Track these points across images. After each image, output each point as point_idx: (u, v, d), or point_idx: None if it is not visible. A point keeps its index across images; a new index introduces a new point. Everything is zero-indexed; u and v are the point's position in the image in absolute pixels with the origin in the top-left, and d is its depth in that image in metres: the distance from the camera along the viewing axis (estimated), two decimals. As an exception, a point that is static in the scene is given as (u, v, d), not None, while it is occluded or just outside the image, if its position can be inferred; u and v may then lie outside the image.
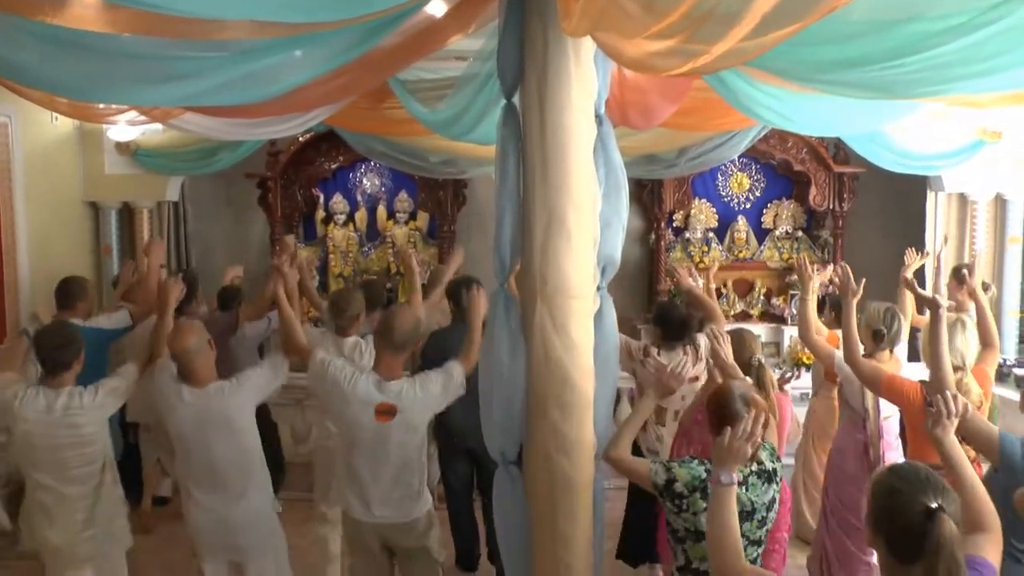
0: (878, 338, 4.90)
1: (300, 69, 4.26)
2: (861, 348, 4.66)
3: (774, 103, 4.41)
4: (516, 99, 3.80)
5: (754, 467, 3.34)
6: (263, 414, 5.22)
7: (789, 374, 4.82)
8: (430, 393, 4.34)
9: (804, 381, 7.89)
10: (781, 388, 4.73)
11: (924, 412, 4.13)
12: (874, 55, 2.68)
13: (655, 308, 5.80)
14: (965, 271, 6.26)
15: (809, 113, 4.56)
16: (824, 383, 6.28)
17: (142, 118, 5.60)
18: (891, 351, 4.97)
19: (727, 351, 4.11)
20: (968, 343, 4.49)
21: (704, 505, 3.22)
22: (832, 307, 6.05)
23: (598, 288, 3.85)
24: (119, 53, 3.87)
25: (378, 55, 4.40)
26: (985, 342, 4.79)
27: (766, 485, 3.35)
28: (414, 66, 5.95)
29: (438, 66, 5.86)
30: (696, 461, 3.41)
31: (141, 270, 6.59)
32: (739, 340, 4.41)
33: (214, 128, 6.24)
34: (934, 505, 2.28)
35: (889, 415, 5.05)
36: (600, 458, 3.85)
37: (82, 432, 4.48)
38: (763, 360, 4.34)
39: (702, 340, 5.26)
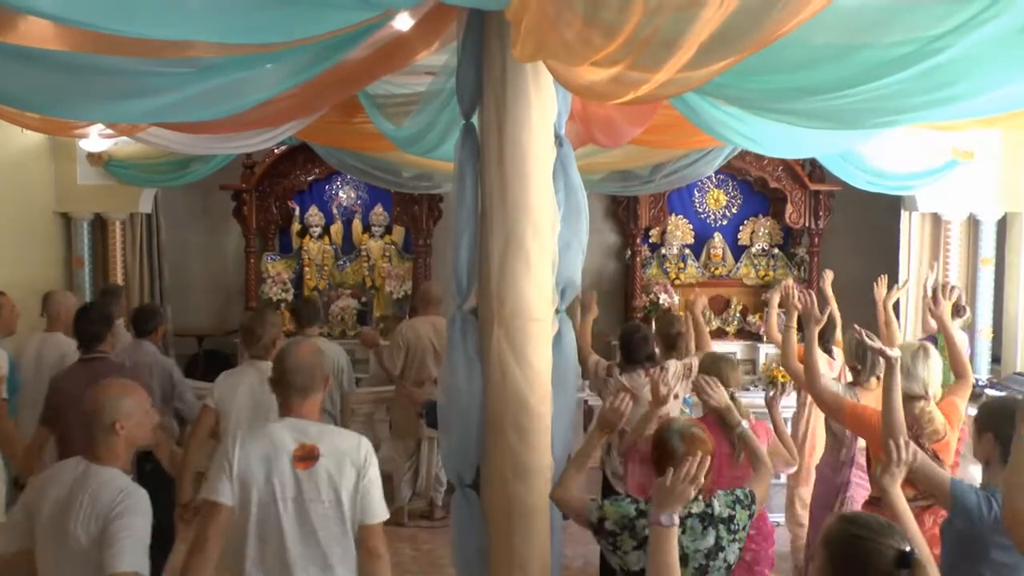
0: (856, 372, 4.87)
1: (265, 84, 4.23)
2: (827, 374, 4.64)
3: (739, 125, 4.40)
4: (475, 119, 3.77)
5: (694, 509, 3.17)
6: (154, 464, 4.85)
7: (772, 392, 4.70)
8: (357, 451, 3.38)
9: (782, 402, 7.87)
10: (770, 407, 4.63)
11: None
12: (824, 84, 2.66)
13: (620, 329, 5.76)
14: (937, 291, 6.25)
15: (774, 135, 4.54)
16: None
17: (109, 131, 5.57)
18: (877, 378, 4.88)
19: (719, 396, 4.03)
20: (931, 371, 4.40)
21: (633, 544, 3.15)
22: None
23: (557, 311, 3.82)
24: (79, 68, 3.84)
25: (344, 70, 4.39)
26: (957, 373, 4.68)
27: (707, 530, 3.18)
28: (384, 80, 5.96)
29: (408, 81, 5.82)
30: (628, 499, 3.29)
31: None
32: (716, 372, 4.35)
33: (183, 142, 6.22)
34: (907, 548, 2.17)
35: None
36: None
37: None
38: (736, 394, 4.27)
39: (671, 364, 5.23)
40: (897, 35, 2.39)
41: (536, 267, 3.70)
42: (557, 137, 3.76)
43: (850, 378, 5.12)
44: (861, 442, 4.83)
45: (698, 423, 3.49)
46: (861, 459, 4.88)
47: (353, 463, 3.22)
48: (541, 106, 3.65)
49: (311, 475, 3.19)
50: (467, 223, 3.73)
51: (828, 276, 6.57)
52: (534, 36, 2.50)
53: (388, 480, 7.25)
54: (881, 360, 4.91)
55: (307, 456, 3.23)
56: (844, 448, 4.94)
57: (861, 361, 4.81)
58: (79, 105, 4.12)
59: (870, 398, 4.77)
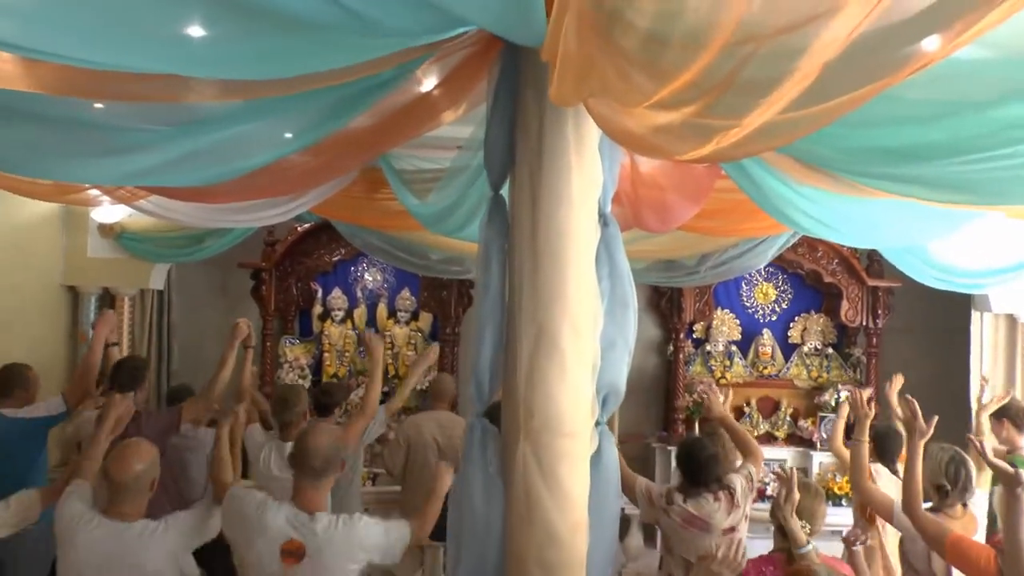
0: (943, 493, 4.15)
1: (269, 144, 3.72)
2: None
3: (810, 207, 3.79)
4: (506, 192, 3.19)
5: None
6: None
7: (853, 537, 3.92)
8: (358, 535, 3.57)
9: (835, 517, 7.11)
10: (850, 546, 3.90)
11: None
12: (952, 143, 2.03)
13: (679, 446, 5.03)
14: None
15: (852, 220, 3.92)
16: (864, 524, 5.47)
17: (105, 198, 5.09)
18: (964, 505, 4.19)
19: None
20: None
21: None
22: (873, 438, 5.28)
23: (597, 424, 3.16)
24: (51, 121, 3.34)
25: (359, 131, 3.86)
26: None
27: None
28: (412, 154, 5.48)
29: (437, 155, 5.31)
30: None
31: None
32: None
33: (189, 213, 5.74)
34: None
35: None
36: None
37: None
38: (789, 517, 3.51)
39: (737, 482, 4.54)
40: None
41: (573, 370, 3.05)
42: (602, 215, 3.16)
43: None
44: None
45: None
46: None
47: (348, 559, 3.48)
48: (583, 177, 3.06)
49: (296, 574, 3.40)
50: (491, 314, 3.12)
51: (897, 381, 5.88)
52: (574, 66, 1.90)
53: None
54: (975, 476, 4.25)
55: (294, 552, 3.42)
56: None
57: (952, 481, 4.11)
58: (53, 164, 3.60)
59: (956, 527, 4.07)
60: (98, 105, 3.68)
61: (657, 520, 4.61)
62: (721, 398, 5.10)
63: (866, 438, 4.46)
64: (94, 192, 5.13)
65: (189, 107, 3.51)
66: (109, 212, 7.58)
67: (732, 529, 4.44)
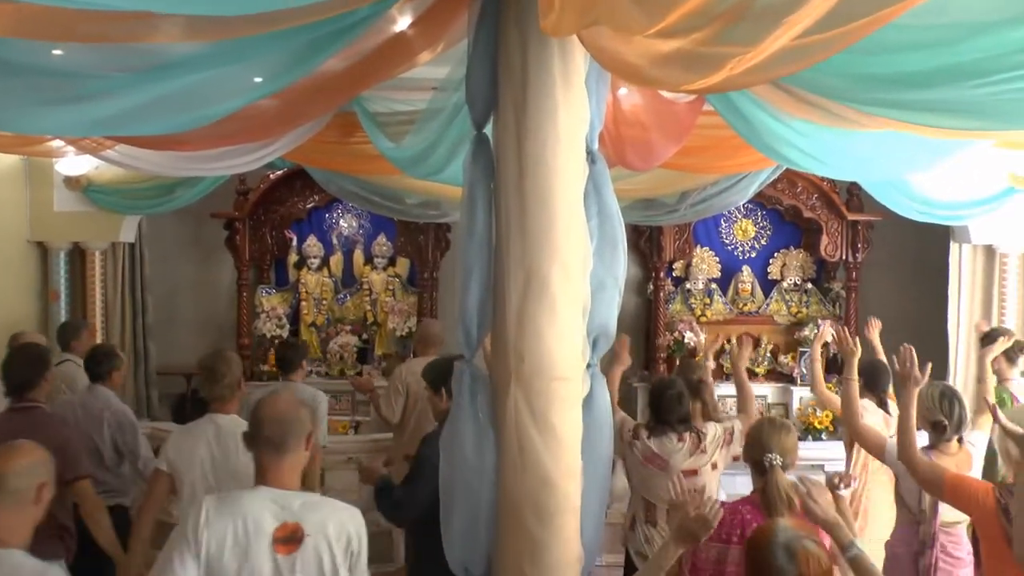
0: (939, 429, 4.13)
1: (239, 89, 3.57)
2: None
3: (802, 141, 3.70)
4: (489, 130, 3.08)
5: None
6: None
7: (838, 480, 3.72)
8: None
9: (816, 451, 7.14)
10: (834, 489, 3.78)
11: (998, 521, 3.36)
12: (960, 68, 1.94)
13: (651, 385, 4.99)
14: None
15: (842, 153, 3.84)
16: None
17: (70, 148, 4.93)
18: (959, 441, 4.17)
19: (824, 505, 2.95)
20: None
21: None
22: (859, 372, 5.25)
23: (588, 366, 3.10)
24: (10, 68, 3.18)
25: (330, 76, 3.72)
26: None
27: None
28: (387, 96, 5.32)
29: (412, 97, 5.15)
30: None
31: None
32: (755, 436, 3.51)
33: (158, 163, 5.57)
34: None
35: (958, 521, 4.21)
36: None
37: None
38: (776, 462, 3.38)
39: (712, 430, 4.51)
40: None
41: (563, 313, 2.98)
42: (590, 153, 3.06)
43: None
44: (943, 516, 4.10)
45: (811, 529, 2.65)
46: (944, 538, 4.14)
47: (348, 543, 2.73)
48: (570, 114, 2.95)
49: (295, 561, 2.66)
50: (477, 258, 3.03)
51: (875, 325, 5.82)
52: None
53: (387, 537, 6.59)
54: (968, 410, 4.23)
55: (290, 538, 2.69)
56: (923, 524, 4.17)
57: (948, 415, 4.08)
58: (12, 114, 3.43)
59: (950, 464, 4.06)
60: (57, 52, 3.52)
61: (624, 455, 4.59)
62: (747, 353, 5.10)
63: (855, 376, 4.38)
64: (57, 143, 4.97)
65: (154, 52, 3.36)
66: (75, 164, 7.37)
67: (694, 472, 4.40)
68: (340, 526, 2.72)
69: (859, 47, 1.63)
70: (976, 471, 4.22)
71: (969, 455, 4.20)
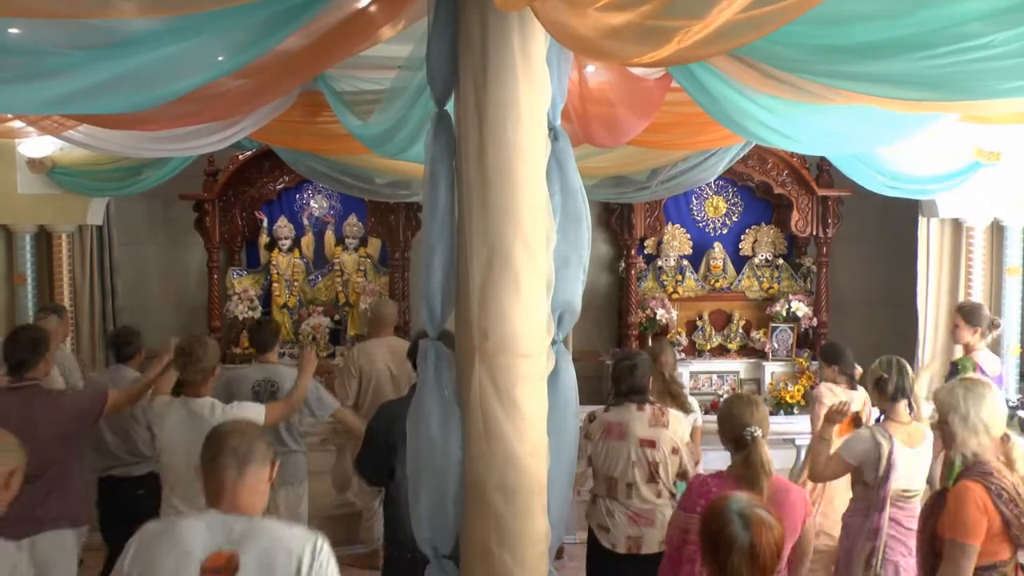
0: (881, 387, 4.21)
1: (198, 66, 3.52)
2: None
3: (767, 116, 3.70)
4: (451, 107, 3.06)
5: None
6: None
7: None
8: None
9: (787, 425, 7.21)
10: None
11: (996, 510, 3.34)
12: (919, 37, 1.94)
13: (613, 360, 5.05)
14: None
15: (809, 128, 3.85)
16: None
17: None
18: (908, 405, 4.23)
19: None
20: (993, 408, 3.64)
21: None
22: (821, 354, 5.29)
23: (553, 343, 3.10)
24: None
25: (292, 53, 3.68)
26: None
27: None
28: (353, 75, 5.28)
29: (379, 76, 5.12)
30: None
31: None
32: (727, 414, 3.53)
33: (121, 143, 5.49)
34: None
35: (914, 493, 4.26)
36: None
37: None
38: (758, 434, 3.43)
39: (675, 413, 4.62)
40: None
41: (527, 290, 2.98)
42: (551, 129, 3.05)
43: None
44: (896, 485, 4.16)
45: (760, 500, 2.68)
46: (897, 512, 4.20)
47: (299, 568, 2.47)
48: (531, 89, 2.94)
49: None
50: (441, 235, 3.02)
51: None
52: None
53: (359, 518, 6.61)
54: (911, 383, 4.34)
55: (222, 568, 2.45)
56: (873, 490, 4.23)
57: (887, 370, 4.24)
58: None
59: (901, 433, 4.16)
60: (13, 30, 3.45)
61: (583, 447, 4.57)
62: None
63: (830, 436, 4.35)
64: (18, 124, 4.88)
65: (112, 29, 3.30)
66: (38, 145, 7.23)
67: (651, 444, 4.43)
68: (286, 553, 2.49)
69: (812, 18, 1.63)
70: (927, 447, 4.27)
71: (923, 432, 4.26)
